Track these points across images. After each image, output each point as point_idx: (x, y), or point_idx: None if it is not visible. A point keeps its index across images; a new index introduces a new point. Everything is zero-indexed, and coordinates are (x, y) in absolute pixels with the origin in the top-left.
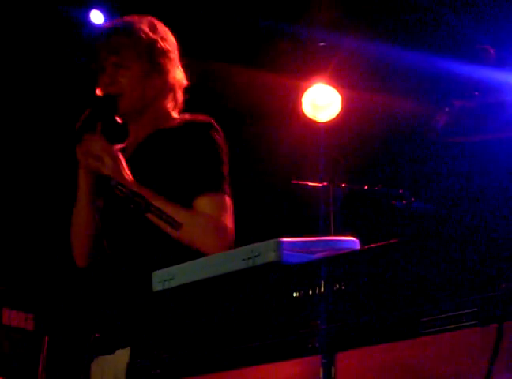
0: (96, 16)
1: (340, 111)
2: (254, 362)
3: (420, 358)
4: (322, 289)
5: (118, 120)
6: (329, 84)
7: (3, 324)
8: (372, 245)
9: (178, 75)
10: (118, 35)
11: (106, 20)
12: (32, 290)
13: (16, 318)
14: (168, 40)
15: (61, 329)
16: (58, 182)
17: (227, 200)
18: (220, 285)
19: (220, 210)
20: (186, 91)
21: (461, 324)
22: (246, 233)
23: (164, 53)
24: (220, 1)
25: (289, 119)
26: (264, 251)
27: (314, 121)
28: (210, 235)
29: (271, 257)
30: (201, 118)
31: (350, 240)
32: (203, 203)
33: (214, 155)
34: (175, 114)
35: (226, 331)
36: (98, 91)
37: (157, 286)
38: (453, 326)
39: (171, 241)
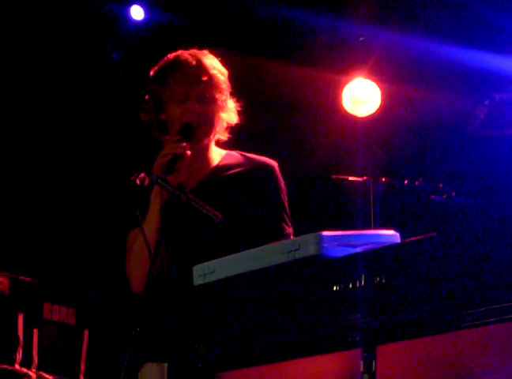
0: (137, 12)
1: (380, 106)
2: (294, 355)
3: (462, 352)
4: (363, 282)
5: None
6: (369, 78)
7: (45, 319)
8: (413, 239)
9: (232, 113)
10: (206, 67)
11: (146, 17)
12: (74, 285)
13: (57, 312)
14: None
15: (102, 323)
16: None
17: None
18: (261, 279)
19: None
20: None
21: (503, 317)
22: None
23: (227, 86)
24: None
25: (329, 114)
26: (304, 245)
27: (354, 116)
28: None
29: (311, 250)
30: (268, 161)
31: (390, 234)
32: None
33: (283, 198)
34: (221, 151)
35: (266, 324)
36: (147, 117)
37: (198, 279)
38: (495, 319)
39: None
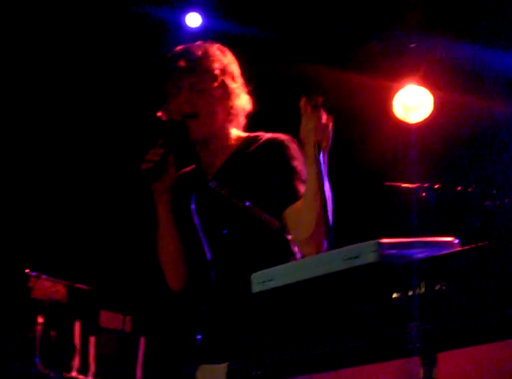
0: (193, 19)
1: (432, 112)
2: (353, 363)
3: None
4: (422, 289)
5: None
6: (421, 85)
7: (101, 326)
8: (472, 246)
9: (244, 100)
10: (195, 57)
11: (203, 24)
12: (130, 292)
13: (114, 320)
14: (236, 66)
15: (158, 330)
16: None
17: None
18: (320, 286)
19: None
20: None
21: None
22: (341, 235)
23: (234, 78)
24: (311, 4)
25: (380, 121)
26: (364, 252)
27: (406, 123)
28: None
29: (371, 257)
30: (276, 136)
31: (449, 240)
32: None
33: (293, 169)
34: (242, 134)
35: (325, 332)
36: (164, 116)
37: (257, 287)
38: None
39: (273, 247)
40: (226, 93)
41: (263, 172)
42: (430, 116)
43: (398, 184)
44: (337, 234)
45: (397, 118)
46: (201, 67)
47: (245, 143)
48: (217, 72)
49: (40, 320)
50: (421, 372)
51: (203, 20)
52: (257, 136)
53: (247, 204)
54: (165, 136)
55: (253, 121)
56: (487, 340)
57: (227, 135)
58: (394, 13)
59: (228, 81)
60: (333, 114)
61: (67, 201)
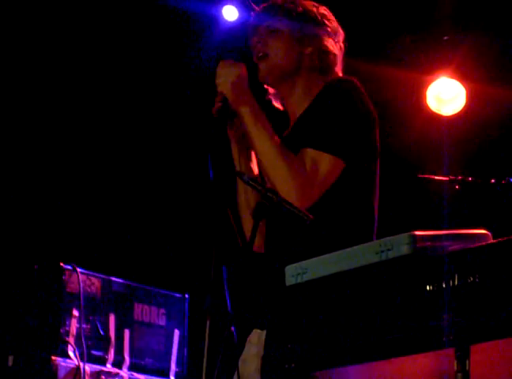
0: (230, 12)
1: (465, 105)
2: (387, 355)
3: None
4: (456, 282)
5: (278, 106)
6: (454, 77)
7: (135, 319)
8: (504, 238)
9: (331, 44)
10: (275, 2)
11: (240, 17)
12: (164, 285)
13: (148, 313)
14: (328, 16)
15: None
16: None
17: (329, 160)
18: (354, 278)
19: (311, 165)
20: None
21: None
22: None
23: (318, 22)
24: None
25: (414, 113)
26: (397, 244)
27: (439, 115)
28: (289, 182)
29: (404, 250)
30: (340, 79)
31: (482, 233)
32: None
33: (332, 114)
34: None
35: (359, 324)
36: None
37: (291, 280)
38: None
39: (309, 236)
40: (303, 35)
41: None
42: (463, 109)
43: (431, 176)
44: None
45: (430, 111)
46: (279, 9)
47: (322, 90)
48: (295, 14)
49: (75, 313)
50: (455, 364)
51: (239, 14)
52: (328, 82)
53: (281, 197)
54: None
55: None
56: None
57: (311, 83)
58: (427, 4)
59: (309, 24)
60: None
61: (100, 193)
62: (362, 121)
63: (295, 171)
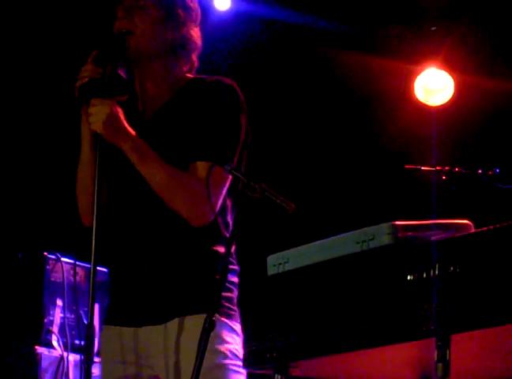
0: (221, 2)
1: (453, 95)
2: (368, 344)
3: None
4: (437, 272)
5: (122, 75)
6: (442, 68)
7: None
8: (486, 228)
9: (195, 33)
10: None
11: (232, 6)
12: None
13: None
14: (196, 5)
15: None
16: None
17: (218, 172)
18: (335, 268)
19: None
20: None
21: None
22: (359, 217)
23: (185, 7)
24: None
25: (401, 104)
26: (378, 234)
27: (427, 106)
28: (180, 194)
29: (385, 240)
30: (220, 80)
31: (464, 223)
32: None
33: (220, 122)
34: (190, 75)
35: (340, 314)
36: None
37: (272, 269)
38: None
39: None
40: (170, 18)
41: (197, 118)
42: (451, 99)
43: (419, 167)
44: (356, 216)
45: (417, 101)
46: None
47: (191, 83)
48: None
49: (59, 303)
50: (435, 354)
51: (232, 3)
52: (202, 78)
53: (263, 186)
54: (101, 48)
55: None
56: (501, 322)
57: (173, 71)
58: None
59: (176, 7)
60: (354, 97)
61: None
62: (245, 130)
63: (192, 191)
